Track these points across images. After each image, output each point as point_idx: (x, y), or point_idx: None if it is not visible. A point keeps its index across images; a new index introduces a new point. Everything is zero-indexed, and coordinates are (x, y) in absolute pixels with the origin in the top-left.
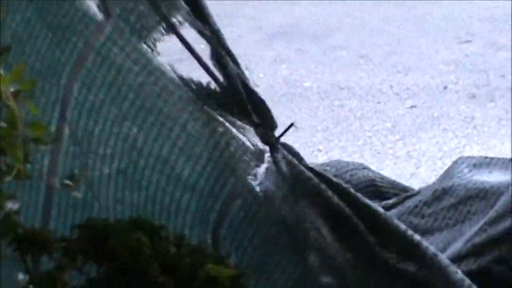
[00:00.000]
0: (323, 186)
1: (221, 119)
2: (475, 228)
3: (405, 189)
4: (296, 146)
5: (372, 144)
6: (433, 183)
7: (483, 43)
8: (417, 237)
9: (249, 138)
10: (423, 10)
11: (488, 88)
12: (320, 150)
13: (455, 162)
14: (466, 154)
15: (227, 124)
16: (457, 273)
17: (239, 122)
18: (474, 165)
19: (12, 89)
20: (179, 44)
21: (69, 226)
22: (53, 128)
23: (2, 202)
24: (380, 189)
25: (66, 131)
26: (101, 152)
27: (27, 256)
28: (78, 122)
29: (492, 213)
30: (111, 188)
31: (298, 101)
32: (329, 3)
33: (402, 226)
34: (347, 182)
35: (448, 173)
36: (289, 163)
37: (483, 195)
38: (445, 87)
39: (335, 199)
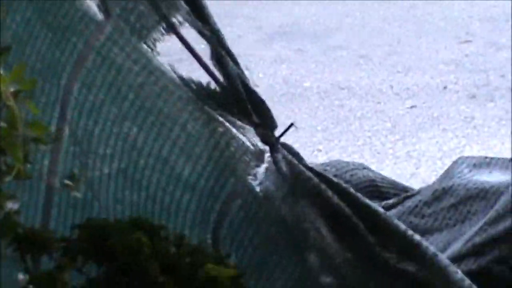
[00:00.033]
0: (323, 186)
1: (221, 119)
2: (475, 228)
3: (405, 189)
4: (296, 146)
5: (372, 144)
6: (433, 183)
7: (483, 43)
8: (417, 237)
9: (249, 138)
10: (423, 10)
11: (488, 88)
12: (320, 150)
13: (455, 162)
14: (466, 154)
15: (227, 124)
16: (457, 273)
17: (239, 122)
18: (474, 165)
19: (12, 89)
20: (179, 44)
21: (69, 226)
22: (53, 128)
23: (2, 202)
24: (380, 189)
25: (66, 131)
26: (101, 152)
27: (27, 256)
28: (78, 122)
29: (492, 213)
30: (111, 188)
31: (298, 101)
32: (329, 3)
33: (402, 226)
34: (347, 182)
35: (448, 173)
36: (289, 163)
37: (483, 195)
38: (445, 87)
39: (335, 199)
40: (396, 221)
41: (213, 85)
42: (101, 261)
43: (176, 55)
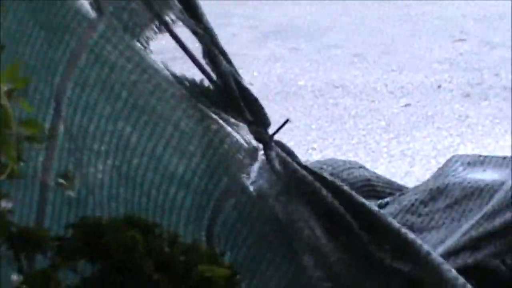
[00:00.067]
0: (317, 184)
1: (214, 116)
2: (472, 222)
3: (400, 188)
4: (291, 145)
5: (366, 142)
6: (427, 181)
7: (477, 42)
8: (411, 235)
9: (243, 135)
10: (418, 9)
11: (482, 86)
12: (314, 149)
13: (449, 161)
14: (460, 152)
15: (220, 121)
16: (451, 271)
17: (232, 120)
18: (468, 164)
19: (5, 88)
20: (173, 42)
21: (64, 222)
22: (47, 126)
23: None
24: (376, 188)
25: (61, 128)
26: (96, 149)
27: (21, 255)
28: (73, 120)
29: (488, 208)
30: (105, 185)
31: (292, 99)
32: (324, 2)
33: (396, 224)
34: (343, 181)
35: (442, 172)
36: (283, 161)
37: (478, 194)
38: (439, 86)
39: (329, 197)
40: (390, 220)
41: (206, 83)
42: (96, 260)
43: (170, 53)
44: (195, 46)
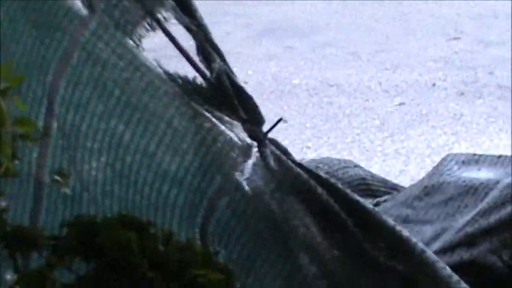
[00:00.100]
0: (312, 182)
1: (207, 114)
2: (467, 218)
3: (395, 187)
4: (285, 143)
5: (360, 141)
6: (422, 179)
7: (472, 40)
8: (405, 233)
9: (237, 133)
10: (412, 8)
11: (476, 85)
12: (309, 147)
13: (443, 159)
14: (454, 151)
15: (214, 119)
16: (445, 269)
17: (226, 118)
18: (463, 162)
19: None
20: (167, 40)
21: (59, 218)
22: (40, 124)
23: None
24: (371, 187)
25: (54, 126)
26: (89, 147)
27: (16, 254)
28: (66, 118)
29: (483, 205)
30: (99, 182)
31: (287, 98)
32: (318, 1)
33: (391, 222)
34: (338, 179)
35: (437, 170)
36: (277, 158)
37: (473, 191)
38: (434, 84)
39: (324, 195)
40: (384, 217)
41: (199, 80)
42: (90, 258)
43: (164, 51)
44: (189, 44)
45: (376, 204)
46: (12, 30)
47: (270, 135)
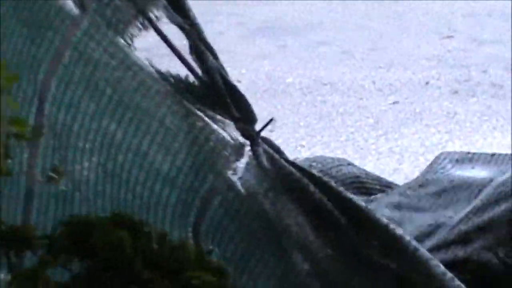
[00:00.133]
0: (305, 180)
1: (200, 113)
2: (461, 215)
3: (389, 184)
4: (279, 142)
5: (354, 140)
6: (416, 178)
7: (465, 39)
8: (399, 231)
9: (229, 132)
10: (405, 6)
11: (469, 83)
12: (303, 146)
13: (437, 158)
14: (448, 149)
15: (206, 118)
16: (439, 266)
17: (218, 117)
18: (457, 161)
19: None
20: (160, 39)
21: (51, 219)
22: (31, 123)
23: None
24: (365, 185)
25: (45, 126)
26: (81, 147)
27: (10, 253)
28: (57, 118)
29: (476, 202)
30: (91, 182)
31: (280, 97)
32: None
33: (384, 220)
34: (332, 178)
35: (431, 168)
36: (270, 157)
37: (466, 187)
38: (427, 83)
39: (317, 193)
40: (378, 215)
41: (191, 79)
42: (84, 258)
43: (157, 50)
44: (182, 43)
45: (370, 202)
46: (3, 29)
47: (263, 134)
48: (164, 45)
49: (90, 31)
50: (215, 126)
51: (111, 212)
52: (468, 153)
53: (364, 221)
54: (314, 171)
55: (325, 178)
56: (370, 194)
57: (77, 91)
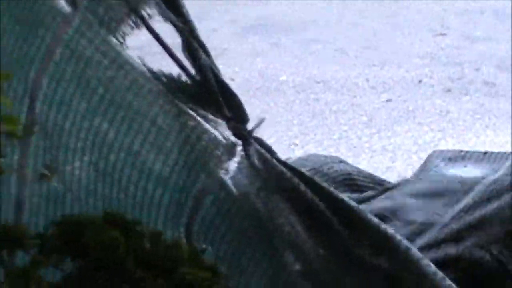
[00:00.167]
0: (296, 180)
1: (192, 112)
2: (452, 213)
3: (381, 182)
4: (273, 140)
5: (348, 138)
6: (411, 178)
7: (458, 36)
8: (390, 230)
9: (221, 132)
10: (398, 4)
11: (462, 81)
12: (296, 144)
13: (430, 156)
14: (441, 147)
15: (198, 118)
16: (430, 266)
17: (211, 116)
18: (450, 159)
19: None
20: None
21: (43, 218)
22: (22, 122)
23: None
24: (357, 182)
25: (36, 125)
26: (72, 146)
27: (2, 252)
28: (48, 116)
29: (468, 201)
30: (83, 181)
31: (273, 95)
32: None
33: (376, 220)
34: (324, 175)
35: (424, 167)
36: (262, 157)
37: (459, 185)
38: (420, 81)
39: (309, 193)
40: (369, 216)
41: (184, 78)
42: (75, 258)
43: (150, 48)
44: (174, 42)
45: (361, 201)
46: None
47: (257, 131)
48: (156, 43)
49: (82, 29)
50: (207, 126)
51: (103, 211)
52: (461, 151)
53: (356, 221)
54: (305, 171)
55: (317, 178)
56: (362, 192)
57: (68, 89)
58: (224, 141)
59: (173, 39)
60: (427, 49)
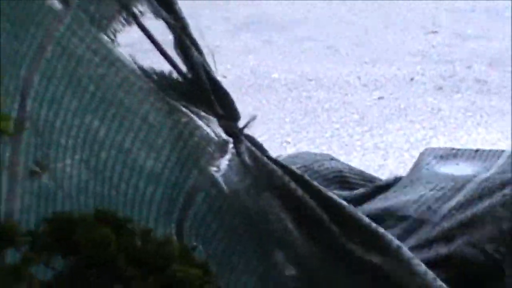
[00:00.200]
0: (286, 178)
1: (184, 109)
2: (444, 211)
3: (373, 179)
4: (265, 138)
5: (340, 136)
6: (404, 177)
7: (449, 34)
8: (381, 229)
9: (213, 129)
10: (390, 1)
11: (454, 79)
12: (288, 142)
13: (422, 154)
14: (432, 145)
15: (190, 114)
16: (420, 265)
17: (203, 113)
18: (441, 157)
19: None
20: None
21: (34, 216)
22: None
23: None
24: (348, 179)
25: (27, 122)
26: (63, 144)
27: None
28: (39, 114)
29: (459, 199)
30: (74, 179)
31: (266, 92)
32: None
33: (366, 219)
34: (315, 173)
35: (416, 166)
36: (252, 154)
37: (451, 183)
38: (412, 79)
39: (299, 191)
40: (360, 214)
41: (175, 75)
42: (67, 255)
43: (141, 45)
44: (166, 39)
45: (352, 199)
46: None
47: (249, 129)
48: (148, 40)
49: (73, 26)
50: (199, 122)
51: (94, 208)
52: (453, 149)
53: (346, 219)
54: (296, 169)
55: (306, 177)
56: (353, 189)
57: (59, 86)
58: (216, 138)
59: (164, 36)
60: (418, 47)
